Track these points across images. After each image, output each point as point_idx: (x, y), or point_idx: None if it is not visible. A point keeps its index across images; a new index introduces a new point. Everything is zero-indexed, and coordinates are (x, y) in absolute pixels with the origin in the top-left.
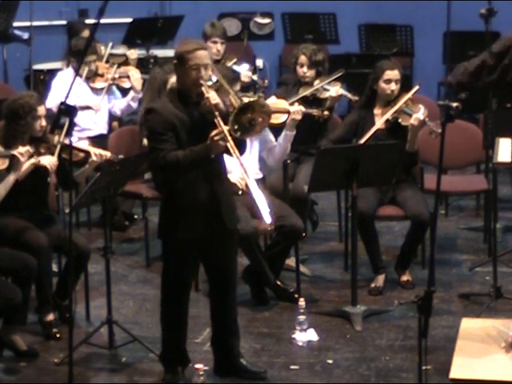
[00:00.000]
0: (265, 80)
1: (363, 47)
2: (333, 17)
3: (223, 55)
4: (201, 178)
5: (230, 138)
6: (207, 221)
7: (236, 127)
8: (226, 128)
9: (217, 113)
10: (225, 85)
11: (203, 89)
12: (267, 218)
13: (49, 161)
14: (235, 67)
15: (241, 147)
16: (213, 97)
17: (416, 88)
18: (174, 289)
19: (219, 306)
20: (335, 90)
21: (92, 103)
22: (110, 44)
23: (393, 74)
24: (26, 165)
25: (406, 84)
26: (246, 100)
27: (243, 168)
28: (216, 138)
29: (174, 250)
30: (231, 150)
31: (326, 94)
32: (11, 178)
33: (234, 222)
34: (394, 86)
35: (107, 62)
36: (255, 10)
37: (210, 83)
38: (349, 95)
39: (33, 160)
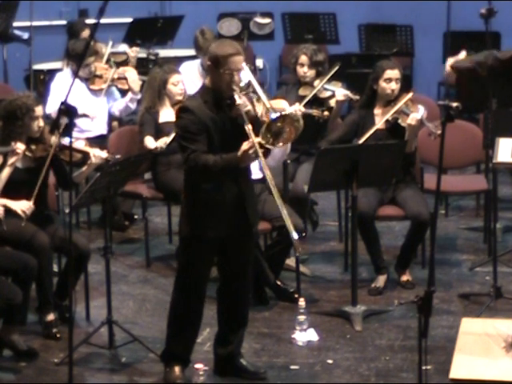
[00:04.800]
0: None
1: (363, 47)
2: (333, 17)
3: None
4: (228, 178)
5: (260, 152)
6: (233, 220)
7: (268, 136)
8: (256, 140)
9: (248, 123)
10: (258, 90)
11: (235, 94)
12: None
13: (20, 206)
14: None
15: (267, 154)
16: (244, 104)
17: (410, 95)
18: (192, 287)
19: (232, 304)
20: (341, 93)
21: (88, 111)
22: (111, 43)
23: (393, 73)
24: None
25: (406, 84)
26: (278, 113)
27: (267, 172)
28: (249, 151)
29: (197, 248)
30: (261, 161)
31: (327, 94)
32: (5, 174)
33: (257, 219)
34: (394, 86)
35: (108, 61)
36: (255, 9)
37: (241, 84)
38: (350, 95)
39: (5, 202)
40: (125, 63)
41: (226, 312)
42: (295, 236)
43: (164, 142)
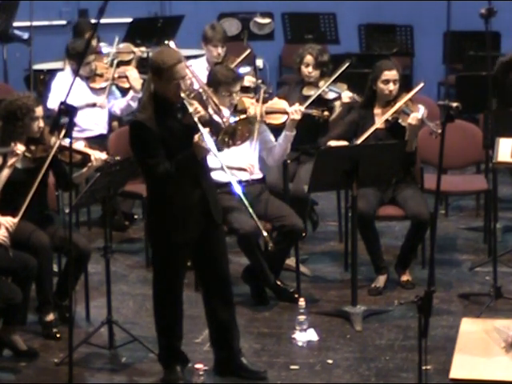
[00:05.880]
0: (269, 86)
1: (363, 47)
2: (333, 17)
3: (223, 58)
4: (190, 180)
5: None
6: (199, 220)
7: (225, 139)
8: (205, 130)
9: (200, 125)
10: (208, 93)
11: (185, 102)
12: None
13: (3, 222)
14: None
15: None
16: (195, 111)
17: (421, 85)
18: (167, 291)
19: (215, 305)
20: (347, 95)
21: (96, 99)
22: (117, 39)
23: (391, 74)
24: None
25: (406, 84)
26: (237, 117)
27: (221, 162)
28: (200, 142)
29: (168, 252)
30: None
31: (331, 95)
32: (4, 175)
33: (221, 216)
34: (392, 87)
35: (113, 60)
36: (255, 9)
37: (191, 88)
38: (356, 97)
39: None
40: (129, 63)
41: (211, 314)
42: (264, 234)
43: None
